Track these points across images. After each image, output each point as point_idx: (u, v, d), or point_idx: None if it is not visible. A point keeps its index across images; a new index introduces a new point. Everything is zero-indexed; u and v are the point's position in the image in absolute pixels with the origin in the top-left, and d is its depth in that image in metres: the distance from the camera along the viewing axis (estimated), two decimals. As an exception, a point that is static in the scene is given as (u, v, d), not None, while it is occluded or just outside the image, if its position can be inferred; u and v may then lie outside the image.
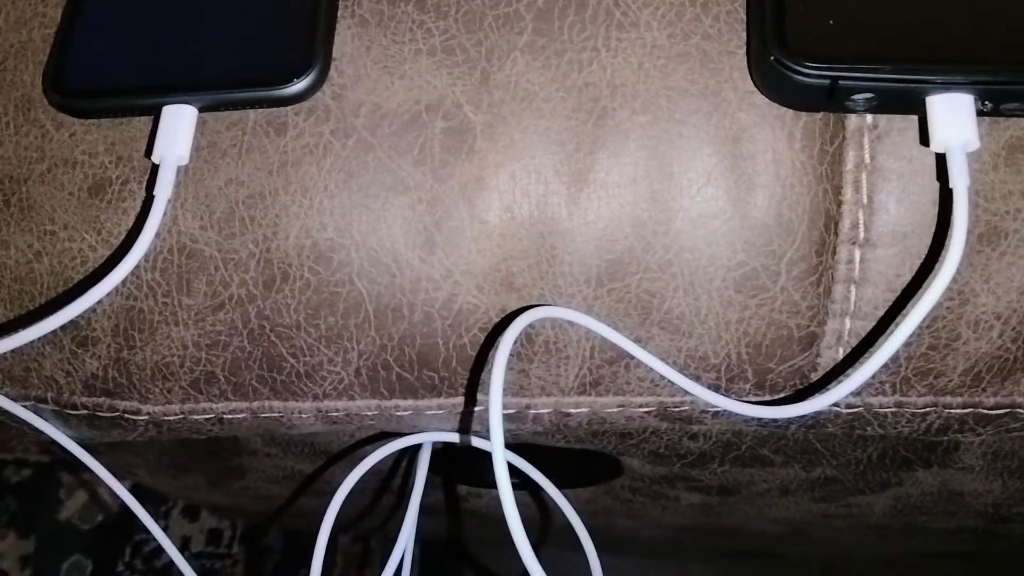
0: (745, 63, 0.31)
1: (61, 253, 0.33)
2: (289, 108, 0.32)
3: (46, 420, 0.37)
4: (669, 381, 0.33)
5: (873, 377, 0.29)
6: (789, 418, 0.30)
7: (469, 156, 0.31)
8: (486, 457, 0.44)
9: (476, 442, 0.37)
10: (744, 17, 0.31)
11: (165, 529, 1.08)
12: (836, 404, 0.32)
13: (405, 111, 0.32)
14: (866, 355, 0.30)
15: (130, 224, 0.32)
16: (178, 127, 0.31)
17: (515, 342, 0.31)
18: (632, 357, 0.32)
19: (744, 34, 0.31)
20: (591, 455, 0.48)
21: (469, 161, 0.31)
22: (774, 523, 0.57)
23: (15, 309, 0.34)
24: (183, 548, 1.03)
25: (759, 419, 0.31)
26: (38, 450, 1.12)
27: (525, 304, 0.32)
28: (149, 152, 0.32)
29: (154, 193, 0.30)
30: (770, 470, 0.46)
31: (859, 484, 0.47)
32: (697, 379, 0.32)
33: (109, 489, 1.11)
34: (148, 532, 1.07)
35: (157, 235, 0.31)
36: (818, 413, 0.33)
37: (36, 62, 0.34)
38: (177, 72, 0.31)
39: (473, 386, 0.34)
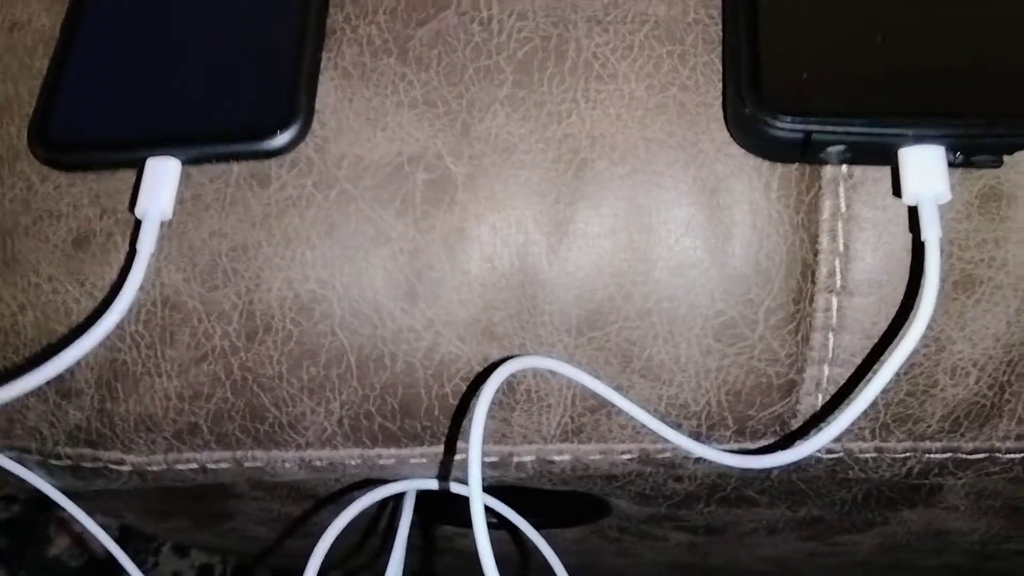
0: (722, 115, 0.31)
1: (45, 305, 0.33)
2: (272, 160, 0.32)
3: (30, 469, 0.37)
4: (651, 429, 0.33)
5: (852, 424, 0.29)
6: (770, 467, 0.30)
7: (450, 207, 0.32)
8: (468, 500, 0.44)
9: (458, 488, 0.37)
10: (720, 69, 0.32)
11: (155, 565, 1.08)
12: (817, 451, 0.32)
13: (387, 163, 0.32)
14: (845, 403, 0.31)
15: (114, 277, 0.32)
16: (161, 181, 0.31)
17: (497, 391, 0.32)
18: (613, 405, 0.33)
19: (720, 86, 0.32)
20: (578, 496, 0.48)
21: (450, 212, 0.32)
22: (762, 561, 0.57)
23: (1, 360, 0.34)
24: (172, 585, 1.03)
25: (741, 468, 0.31)
26: (26, 488, 1.11)
27: (507, 353, 0.32)
28: (133, 205, 0.32)
29: (137, 247, 0.30)
30: (756, 510, 0.47)
31: (845, 523, 0.47)
32: (678, 427, 0.33)
33: (98, 526, 1.11)
34: (137, 568, 1.06)
35: (140, 288, 0.31)
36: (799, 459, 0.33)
37: (23, 115, 0.34)
38: (160, 125, 0.32)
39: (455, 435, 0.34)
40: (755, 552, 0.55)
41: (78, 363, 0.33)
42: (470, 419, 0.33)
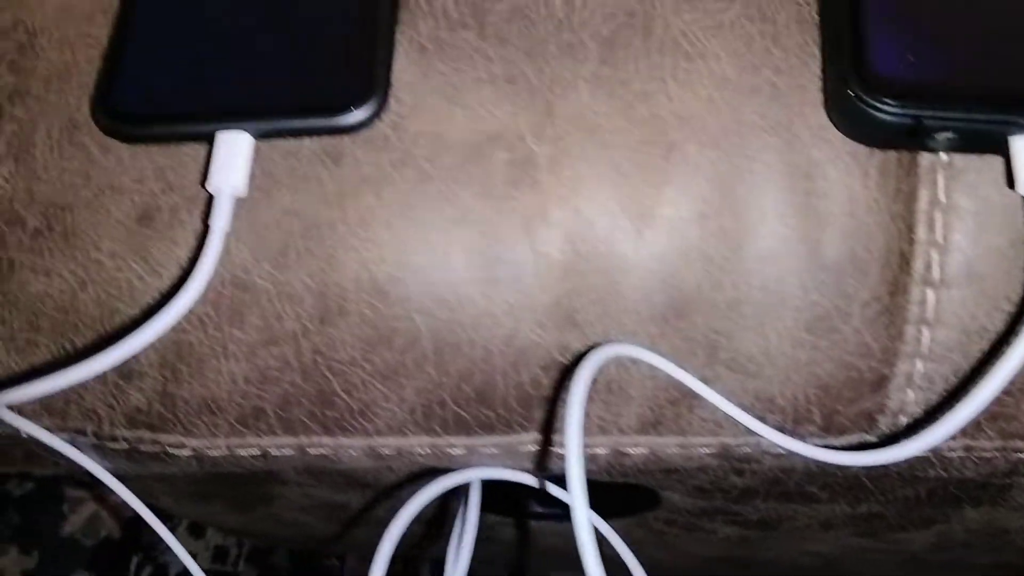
0: (817, 98, 0.30)
1: (107, 283, 0.32)
2: (346, 137, 0.31)
3: (82, 451, 0.36)
4: (733, 422, 0.32)
5: (961, 424, 0.28)
6: (871, 465, 0.29)
7: (532, 189, 0.30)
8: (521, 489, 0.43)
9: (521, 478, 0.36)
10: (816, 51, 0.30)
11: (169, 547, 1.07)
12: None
13: (466, 142, 0.31)
14: (953, 403, 0.29)
15: (181, 254, 0.31)
16: (234, 156, 0.30)
17: (593, 380, 0.30)
18: (698, 397, 0.31)
19: (816, 68, 0.30)
20: (627, 487, 0.47)
21: (532, 194, 0.30)
22: (809, 556, 0.56)
23: (56, 339, 0.33)
24: (189, 566, 1.02)
25: (835, 465, 0.30)
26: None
27: (588, 341, 0.31)
28: (202, 180, 0.31)
29: (210, 225, 0.29)
30: (814, 506, 0.45)
31: (903, 520, 0.46)
32: (763, 421, 0.31)
33: (113, 505, 1.10)
34: (153, 549, 1.05)
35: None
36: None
37: (81, 84, 0.33)
38: (232, 98, 0.30)
39: (531, 424, 0.33)
40: (803, 547, 0.54)
41: (142, 344, 0.32)
42: (550, 408, 0.32)
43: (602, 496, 0.46)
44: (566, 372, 0.32)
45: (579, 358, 0.31)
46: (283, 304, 0.31)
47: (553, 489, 0.36)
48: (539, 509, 0.52)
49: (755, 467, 0.38)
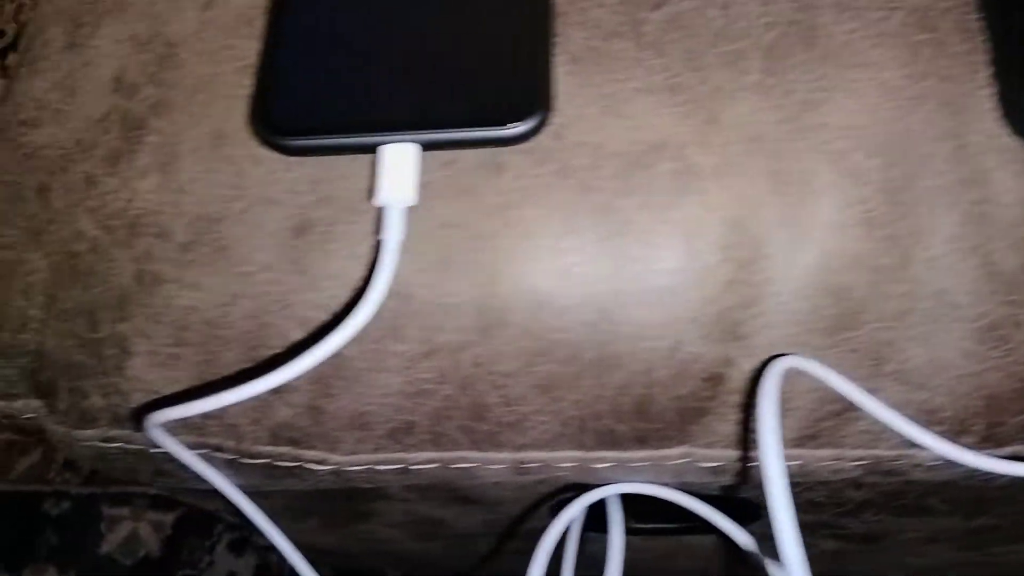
0: (987, 106, 0.30)
1: (259, 296, 0.31)
2: (507, 148, 0.31)
3: (213, 467, 0.35)
4: (891, 435, 0.32)
5: None
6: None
7: (697, 200, 0.30)
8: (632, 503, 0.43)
9: (664, 493, 0.36)
10: (983, 59, 0.30)
11: (210, 564, 1.06)
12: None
13: (628, 152, 0.30)
14: None
15: (339, 267, 0.31)
16: (401, 167, 0.29)
17: (778, 393, 0.30)
18: (857, 410, 0.31)
19: (984, 76, 0.30)
20: (731, 501, 0.47)
21: (697, 205, 0.30)
22: (902, 568, 0.55)
23: (202, 354, 0.32)
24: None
25: (1000, 475, 0.30)
26: (78, 482, 1.09)
27: (751, 354, 0.31)
28: (360, 192, 0.30)
29: (383, 237, 0.29)
30: (928, 519, 0.45)
31: (1016, 532, 0.46)
32: (926, 432, 0.31)
33: (151, 523, 1.09)
34: (193, 567, 1.04)
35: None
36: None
37: (227, 96, 0.33)
38: (396, 109, 0.30)
39: (685, 437, 0.32)
40: (902, 560, 0.53)
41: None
42: (703, 422, 0.31)
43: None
44: (727, 385, 0.31)
45: (741, 371, 0.31)
46: (443, 316, 0.31)
47: (661, 491, 0.36)
48: (669, 525, 0.51)
49: (883, 480, 0.38)
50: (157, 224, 0.32)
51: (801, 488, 0.42)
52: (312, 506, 0.48)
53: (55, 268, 0.33)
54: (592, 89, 0.31)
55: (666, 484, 0.36)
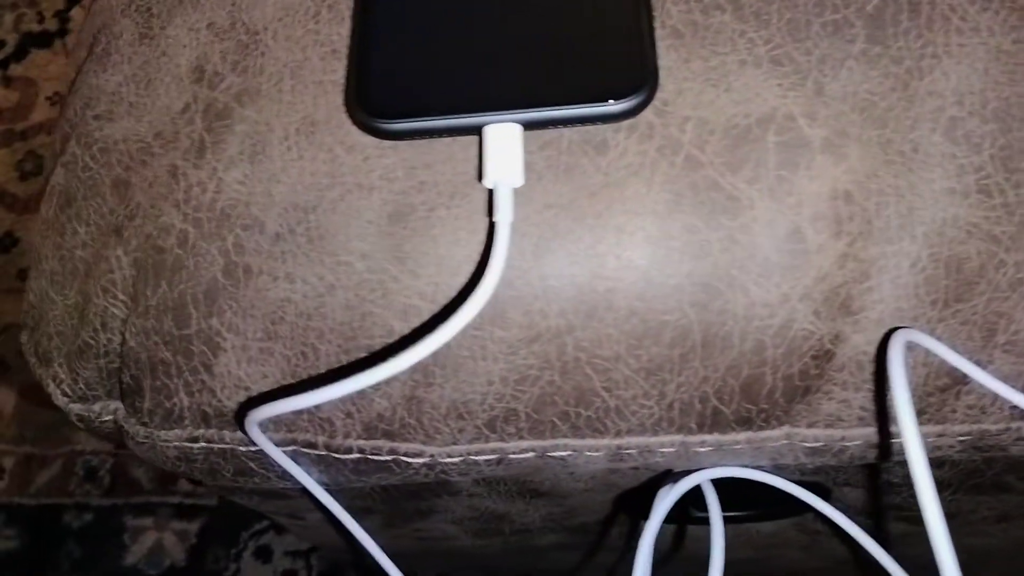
0: (1097, 69, 0.29)
1: (358, 286, 0.30)
2: (609, 126, 0.30)
3: (300, 465, 0.34)
4: (998, 409, 0.31)
5: None
6: None
7: (807, 172, 0.29)
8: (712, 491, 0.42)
9: (761, 476, 0.35)
10: (1092, 21, 0.30)
11: (236, 572, 1.05)
12: None
13: (734, 125, 0.30)
14: None
15: (442, 252, 0.30)
16: (507, 147, 0.29)
17: (906, 365, 0.29)
18: (966, 383, 0.30)
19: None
20: (803, 485, 0.46)
21: (807, 178, 0.29)
22: (961, 551, 0.55)
23: (295, 347, 0.31)
24: (256, 591, 1.00)
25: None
26: (99, 493, 1.08)
27: (862, 329, 0.30)
28: (466, 176, 0.30)
29: (496, 219, 0.28)
30: (1003, 497, 0.44)
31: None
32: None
33: (175, 533, 1.08)
34: (223, 576, 1.03)
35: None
36: None
37: (316, 82, 0.32)
38: (498, 89, 0.29)
39: (789, 418, 0.32)
40: (961, 542, 0.53)
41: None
42: (808, 401, 0.30)
43: (765, 497, 0.45)
44: (835, 362, 0.31)
45: (850, 348, 0.30)
46: (547, 300, 0.30)
47: (755, 474, 0.35)
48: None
49: (974, 456, 0.37)
50: (248, 215, 0.31)
51: (883, 470, 0.42)
52: (375, 505, 0.47)
53: (139, 265, 0.32)
54: (694, 63, 0.30)
55: (758, 467, 0.36)
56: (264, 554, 1.05)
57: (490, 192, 0.29)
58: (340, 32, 0.32)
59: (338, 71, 0.32)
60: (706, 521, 0.51)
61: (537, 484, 0.45)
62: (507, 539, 0.54)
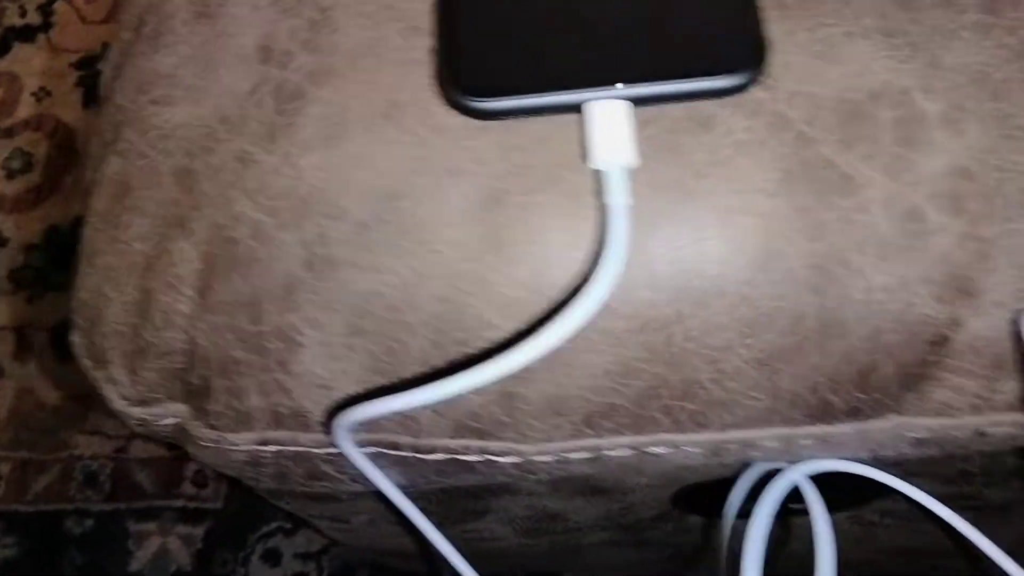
0: None
1: (451, 276, 0.29)
2: (715, 102, 0.28)
3: (377, 466, 0.33)
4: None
5: None
6: None
7: (927, 149, 0.28)
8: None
9: (859, 469, 0.34)
10: None
11: None
12: None
13: (846, 100, 0.28)
14: None
15: (540, 240, 0.28)
16: (615, 126, 0.27)
17: None
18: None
19: None
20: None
21: (927, 155, 0.28)
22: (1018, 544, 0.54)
23: (381, 341, 0.29)
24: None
25: None
26: (100, 498, 1.06)
27: (980, 312, 0.29)
28: (567, 158, 0.28)
29: (609, 202, 0.26)
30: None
31: None
32: None
33: (180, 537, 1.06)
34: (229, 581, 1.01)
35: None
36: None
37: (396, 60, 0.30)
38: (601, 63, 0.27)
39: (899, 407, 0.30)
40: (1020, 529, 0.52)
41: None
42: (921, 389, 0.29)
43: (829, 487, 0.44)
44: (950, 347, 0.29)
45: (967, 332, 0.29)
46: (655, 288, 0.28)
47: (894, 482, 0.34)
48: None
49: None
50: (329, 203, 0.29)
51: (960, 457, 0.40)
52: (430, 506, 0.46)
53: (208, 258, 0.30)
54: (800, 36, 0.29)
55: (855, 459, 0.34)
56: (273, 557, 1.03)
57: (598, 173, 0.27)
58: (417, 6, 0.30)
59: (418, 48, 0.30)
60: (794, 513, 0.50)
61: (599, 481, 0.43)
62: (554, 538, 0.52)
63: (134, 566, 1.03)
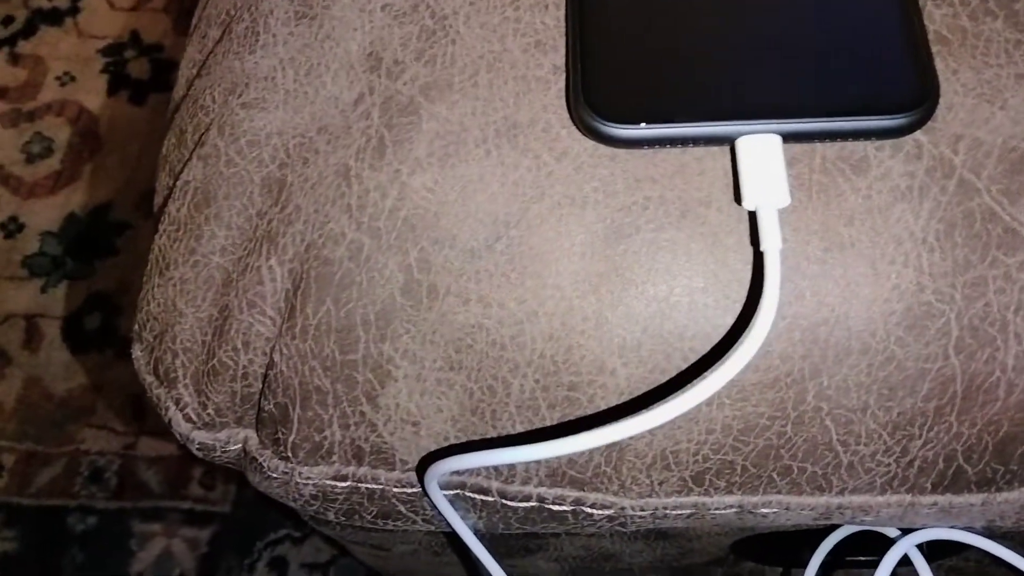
0: None
1: (566, 313, 0.26)
2: (869, 143, 0.26)
3: (461, 508, 0.30)
4: None
5: None
6: None
7: (1095, 206, 0.25)
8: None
9: (971, 539, 0.31)
10: None
11: (248, 583, 1.00)
12: None
13: (1012, 148, 0.26)
14: None
15: (668, 281, 0.26)
16: (767, 162, 0.24)
17: None
18: None
19: None
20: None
21: (1094, 212, 0.25)
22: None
23: (483, 381, 0.27)
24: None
25: None
26: (105, 495, 1.03)
27: None
28: (705, 194, 0.25)
29: (763, 247, 0.24)
30: None
31: None
32: None
33: (185, 540, 1.03)
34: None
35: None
36: None
37: (519, 77, 0.28)
38: (755, 94, 0.25)
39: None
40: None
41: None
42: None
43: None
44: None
45: None
46: (791, 341, 0.26)
47: (1005, 553, 0.31)
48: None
49: None
50: (437, 227, 0.27)
51: None
52: (483, 541, 0.43)
53: (297, 277, 0.28)
54: (964, 74, 0.26)
55: (965, 528, 0.32)
56: (279, 565, 1.00)
57: (740, 211, 0.25)
58: (544, 20, 0.28)
59: (544, 65, 0.27)
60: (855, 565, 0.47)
61: (667, 527, 0.41)
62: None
63: (136, 567, 1.00)
